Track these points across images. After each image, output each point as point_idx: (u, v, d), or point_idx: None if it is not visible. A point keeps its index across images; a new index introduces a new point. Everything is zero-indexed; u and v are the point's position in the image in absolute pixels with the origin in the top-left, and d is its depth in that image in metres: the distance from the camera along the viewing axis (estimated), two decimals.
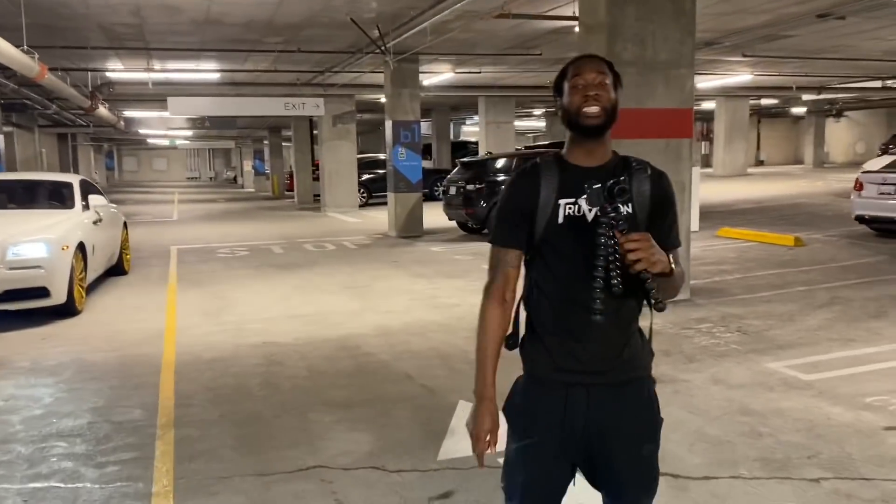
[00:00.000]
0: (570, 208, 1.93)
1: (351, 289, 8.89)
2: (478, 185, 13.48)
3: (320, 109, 18.40)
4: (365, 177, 23.34)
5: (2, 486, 3.58)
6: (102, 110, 18.64)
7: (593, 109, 1.90)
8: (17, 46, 9.22)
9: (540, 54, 14.52)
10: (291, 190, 29.69)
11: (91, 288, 8.41)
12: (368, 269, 10.48)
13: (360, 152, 22.84)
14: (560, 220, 1.93)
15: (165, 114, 20.98)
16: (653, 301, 1.80)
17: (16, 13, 9.21)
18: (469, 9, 9.78)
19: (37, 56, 10.01)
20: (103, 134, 35.83)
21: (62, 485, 3.59)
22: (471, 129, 35.15)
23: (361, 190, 22.86)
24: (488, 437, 2.00)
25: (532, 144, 26.39)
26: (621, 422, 1.95)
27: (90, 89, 16.75)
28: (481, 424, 2.00)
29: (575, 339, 1.94)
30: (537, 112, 31.42)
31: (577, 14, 8.18)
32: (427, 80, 17.16)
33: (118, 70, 16.11)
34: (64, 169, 32.80)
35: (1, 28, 8.48)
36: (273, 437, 4.18)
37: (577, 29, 11.07)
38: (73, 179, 9.18)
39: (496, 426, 2.01)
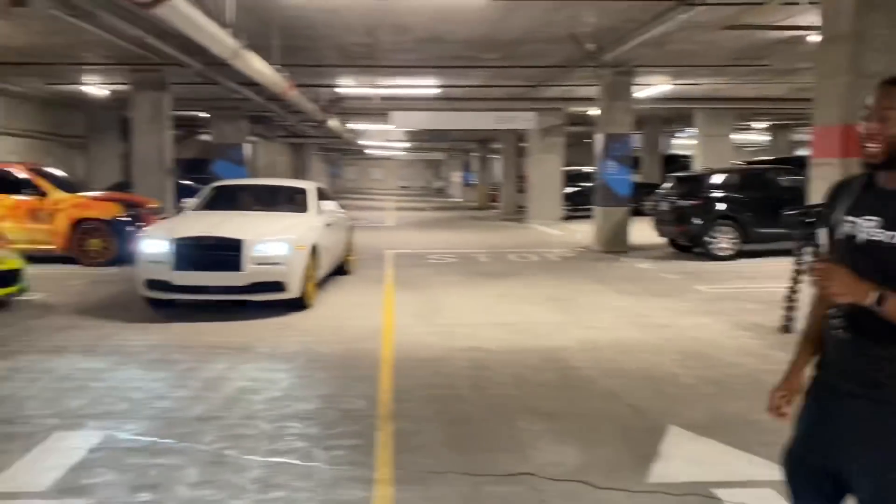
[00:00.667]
0: (848, 227, 1.95)
1: (554, 301, 8.93)
2: (692, 201, 12.95)
3: (531, 122, 18.67)
4: (569, 189, 23.28)
5: (249, 457, 4.04)
6: (333, 123, 20.32)
7: (869, 147, 1.90)
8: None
9: (767, 65, 13.66)
10: (496, 201, 30.36)
11: (320, 285, 9.19)
12: (572, 282, 10.47)
13: (566, 165, 22.84)
14: (839, 236, 1.98)
15: (386, 126, 22.39)
16: (832, 329, 1.94)
17: (269, 35, 10.35)
18: (695, 20, 9.46)
19: (285, 74, 11.17)
20: (330, 144, 38.97)
21: (298, 462, 3.99)
22: (682, 143, 33.81)
23: (566, 202, 22.83)
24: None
25: (755, 159, 24.78)
26: (868, 441, 1.90)
27: (324, 104, 18.33)
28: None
29: (835, 348, 2.01)
30: (758, 125, 29.48)
31: (813, 24, 7.63)
32: (640, 93, 16.79)
33: (348, 86, 17.49)
34: (297, 176, 36.15)
35: (255, 48, 9.55)
36: (483, 440, 4.34)
37: (809, 38, 10.36)
38: (309, 186, 10.12)
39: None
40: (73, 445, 4.16)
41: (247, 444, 4.22)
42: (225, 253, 7.68)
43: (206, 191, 9.91)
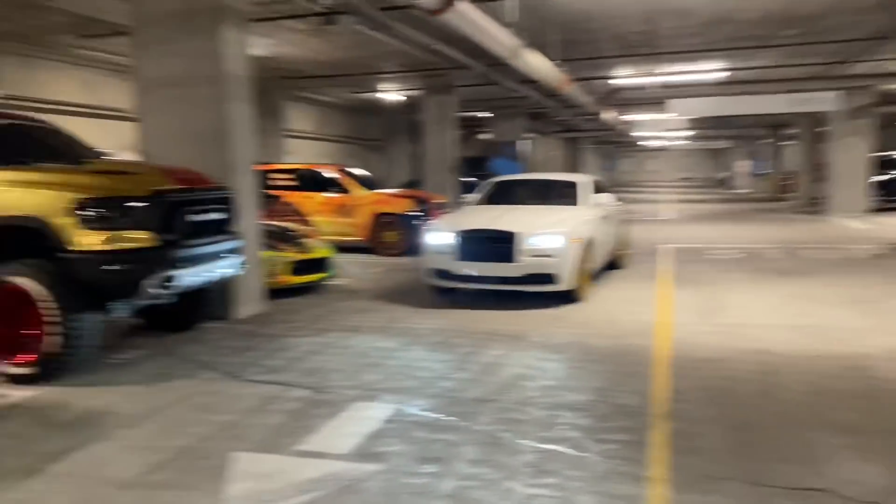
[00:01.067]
0: None
1: (858, 303, 7.92)
2: None
3: (833, 104, 16.75)
4: (880, 178, 20.46)
5: (522, 442, 4.17)
6: (608, 115, 20.09)
7: None
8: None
9: None
10: (789, 191, 27.72)
11: (593, 279, 9.14)
12: (880, 282, 9.20)
13: (876, 150, 20.06)
14: None
15: (664, 116, 21.56)
16: None
17: (547, 31, 10.53)
18: None
19: (562, 69, 11.29)
20: (604, 137, 38.58)
21: (570, 451, 4.02)
22: None
23: (877, 192, 20.10)
24: None
25: None
26: None
27: (599, 96, 18.20)
28: None
29: None
30: None
31: None
32: None
33: (624, 76, 17.15)
34: (570, 170, 36.40)
35: (534, 46, 9.77)
36: (769, 449, 4.00)
37: None
38: (584, 179, 10.11)
39: None
40: (369, 415, 4.63)
41: (520, 429, 4.36)
42: (501, 245, 7.98)
43: (486, 186, 10.38)
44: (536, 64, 9.85)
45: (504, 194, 9.96)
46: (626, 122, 28.36)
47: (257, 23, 9.99)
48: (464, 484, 3.63)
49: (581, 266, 8.27)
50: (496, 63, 10.72)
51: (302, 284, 8.91)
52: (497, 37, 8.19)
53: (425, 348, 6.38)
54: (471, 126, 27.00)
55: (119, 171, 5.95)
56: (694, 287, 9.21)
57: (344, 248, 11.96)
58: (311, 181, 13.63)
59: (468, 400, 4.93)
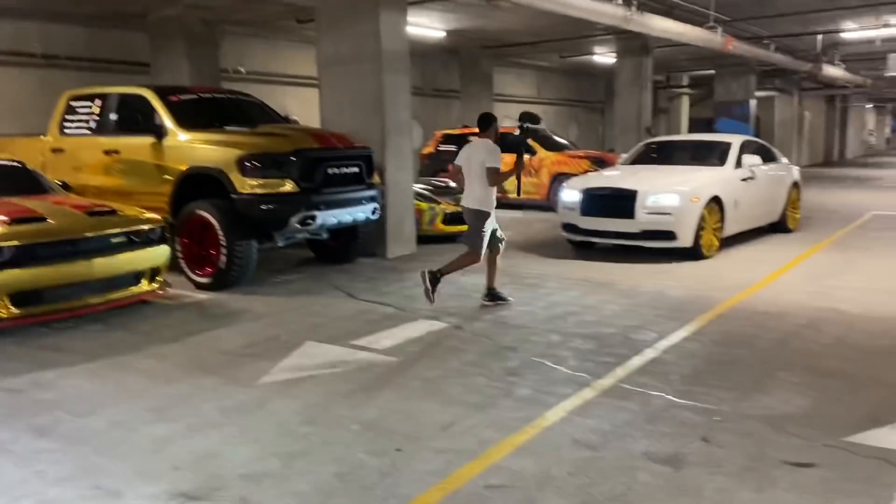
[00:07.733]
0: None
1: None
2: None
3: None
4: None
5: (517, 354, 5.06)
6: (832, 71, 18.52)
7: None
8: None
9: None
10: None
11: (739, 239, 9.36)
12: None
13: None
14: None
15: None
16: None
17: None
18: None
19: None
20: (888, 94, 34.31)
21: (548, 363, 4.87)
22: None
23: None
24: None
25: None
26: None
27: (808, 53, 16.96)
28: None
29: None
30: None
31: None
32: None
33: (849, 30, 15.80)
34: (829, 131, 33.29)
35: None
36: (720, 378, 4.50)
37: None
38: (735, 140, 10.05)
39: None
40: (421, 328, 5.79)
41: (526, 346, 5.24)
42: (622, 202, 8.53)
43: (637, 147, 10.77)
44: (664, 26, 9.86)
45: (653, 155, 10.31)
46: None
47: (432, 2, 11.27)
48: (441, 374, 4.69)
49: (707, 224, 8.53)
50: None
51: (453, 233, 10.12)
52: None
53: (513, 287, 7.23)
54: (710, 85, 25.94)
55: (276, 133, 7.66)
56: (844, 252, 8.95)
57: (526, 206, 13.05)
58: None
59: (508, 325, 5.87)
